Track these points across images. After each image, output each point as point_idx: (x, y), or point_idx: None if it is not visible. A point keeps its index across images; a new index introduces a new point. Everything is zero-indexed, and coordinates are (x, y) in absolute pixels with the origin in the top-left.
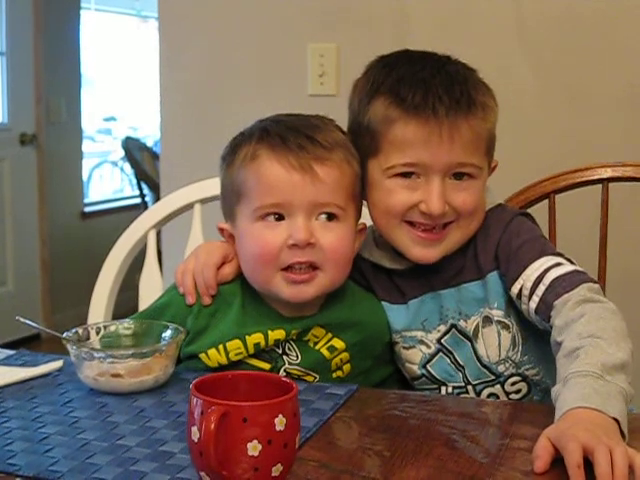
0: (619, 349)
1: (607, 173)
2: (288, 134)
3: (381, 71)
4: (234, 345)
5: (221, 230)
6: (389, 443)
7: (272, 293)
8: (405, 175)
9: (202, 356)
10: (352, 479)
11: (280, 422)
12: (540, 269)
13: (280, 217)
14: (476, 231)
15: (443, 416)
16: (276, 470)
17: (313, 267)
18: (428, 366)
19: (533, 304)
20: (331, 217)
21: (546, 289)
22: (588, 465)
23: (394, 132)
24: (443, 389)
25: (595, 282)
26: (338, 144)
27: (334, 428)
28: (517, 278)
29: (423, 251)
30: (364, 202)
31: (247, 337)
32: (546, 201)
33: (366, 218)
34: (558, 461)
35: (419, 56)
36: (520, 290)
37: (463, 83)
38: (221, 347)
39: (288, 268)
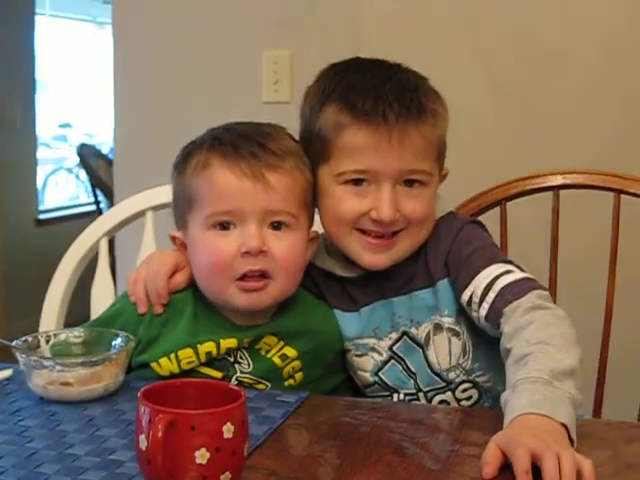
0: (568, 355)
1: (558, 180)
2: (240, 142)
3: (332, 79)
4: (186, 354)
5: (173, 238)
6: (339, 450)
7: (226, 303)
8: (356, 182)
9: (154, 365)
10: None
11: (228, 430)
12: (490, 277)
13: (232, 225)
14: (426, 239)
15: (394, 423)
16: (224, 478)
17: (265, 276)
18: (380, 373)
19: (483, 311)
20: (283, 225)
21: (495, 296)
22: (536, 471)
23: (344, 138)
24: (395, 396)
25: (545, 289)
26: (290, 152)
27: (284, 436)
28: (467, 286)
29: (373, 258)
30: (316, 210)
31: (199, 346)
32: (497, 208)
33: (318, 226)
34: (507, 467)
35: (370, 63)
36: (470, 297)
37: (414, 90)
38: (173, 356)
39: (242, 277)
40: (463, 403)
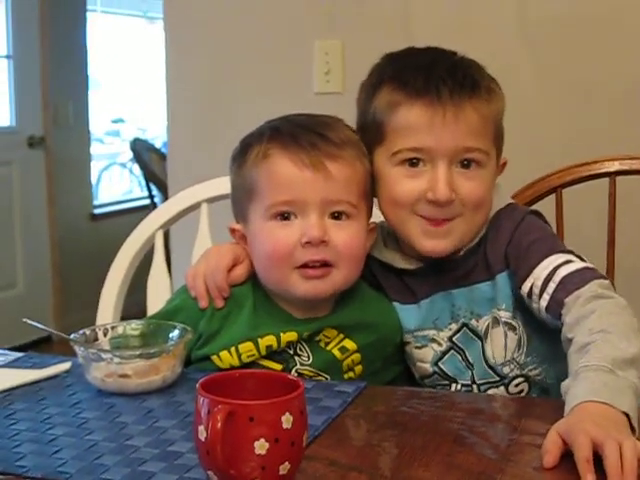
0: (630, 344)
1: (614, 166)
2: (299, 132)
3: (386, 65)
4: (246, 347)
5: (232, 231)
6: (398, 440)
7: (287, 292)
8: (411, 163)
9: (214, 358)
10: (360, 476)
11: (287, 420)
12: (550, 267)
13: (292, 215)
14: (483, 225)
15: (452, 412)
16: (284, 468)
17: (327, 265)
18: (440, 363)
19: (544, 302)
20: (343, 215)
21: (556, 287)
22: (598, 459)
23: (398, 117)
24: (453, 386)
25: (605, 278)
26: (350, 141)
27: (343, 426)
28: (527, 277)
29: (433, 243)
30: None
31: (259, 339)
32: (553, 195)
33: (375, 217)
34: (567, 456)
35: (425, 49)
36: (530, 289)
37: (467, 68)
38: (233, 349)
39: (303, 265)
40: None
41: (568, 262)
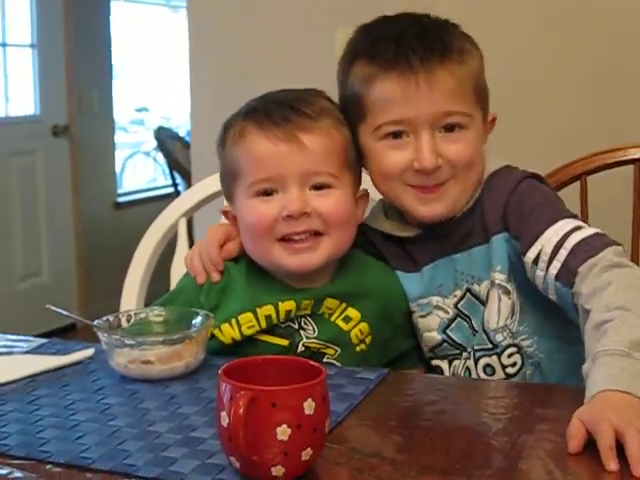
0: None
1: (639, 153)
2: (273, 108)
3: (358, 37)
4: (246, 319)
5: (224, 213)
6: (420, 427)
7: (275, 266)
8: (394, 136)
9: (216, 332)
10: (382, 463)
11: (309, 406)
12: (560, 233)
13: (274, 192)
14: (476, 186)
15: (474, 399)
16: (306, 454)
17: (316, 234)
18: (448, 331)
19: (554, 270)
20: (325, 187)
21: (568, 254)
22: (620, 448)
23: (374, 91)
24: (464, 354)
25: (619, 244)
26: (324, 112)
27: (365, 412)
28: (534, 243)
29: (429, 208)
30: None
31: (258, 309)
32: (578, 183)
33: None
34: (589, 444)
35: (396, 17)
36: (538, 255)
37: (436, 31)
38: (233, 321)
39: (287, 240)
40: (508, 370)
41: (579, 228)
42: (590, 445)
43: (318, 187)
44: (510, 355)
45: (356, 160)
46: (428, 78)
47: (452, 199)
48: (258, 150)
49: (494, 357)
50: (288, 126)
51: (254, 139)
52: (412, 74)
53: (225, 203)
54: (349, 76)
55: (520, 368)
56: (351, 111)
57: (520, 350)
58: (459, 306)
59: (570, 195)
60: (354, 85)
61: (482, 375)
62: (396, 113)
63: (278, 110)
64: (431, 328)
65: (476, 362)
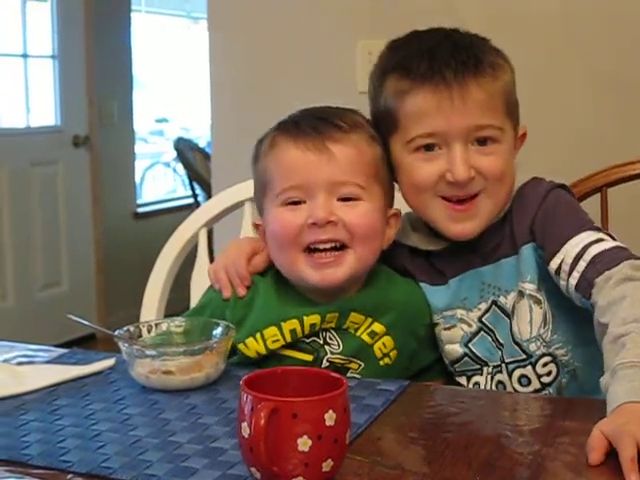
0: None
1: None
2: (304, 120)
3: (390, 53)
4: (270, 332)
5: (256, 226)
6: (440, 439)
7: (299, 278)
8: (427, 148)
9: (241, 347)
10: (403, 475)
11: (330, 417)
12: (581, 244)
13: (302, 202)
14: (507, 200)
15: (495, 411)
16: (327, 466)
17: (341, 247)
18: (470, 345)
19: (573, 280)
20: (352, 199)
21: (587, 265)
22: None
23: (407, 104)
24: (485, 369)
25: (637, 258)
26: (356, 126)
27: (386, 424)
28: (556, 253)
29: (460, 226)
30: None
31: (283, 324)
32: (598, 195)
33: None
34: (610, 456)
35: (427, 32)
36: (560, 266)
37: (469, 47)
38: (258, 335)
39: (312, 251)
40: (543, 379)
41: (600, 240)
42: (611, 457)
43: (346, 199)
44: (545, 365)
45: (388, 177)
46: (461, 92)
47: (484, 216)
48: (287, 159)
49: (529, 367)
50: (318, 137)
51: (284, 147)
52: (446, 88)
53: (256, 216)
54: (382, 90)
55: (555, 377)
56: (383, 124)
57: (555, 359)
58: (483, 319)
59: (591, 207)
60: (387, 99)
61: (517, 387)
62: (429, 126)
63: (309, 121)
64: (454, 341)
65: (510, 374)
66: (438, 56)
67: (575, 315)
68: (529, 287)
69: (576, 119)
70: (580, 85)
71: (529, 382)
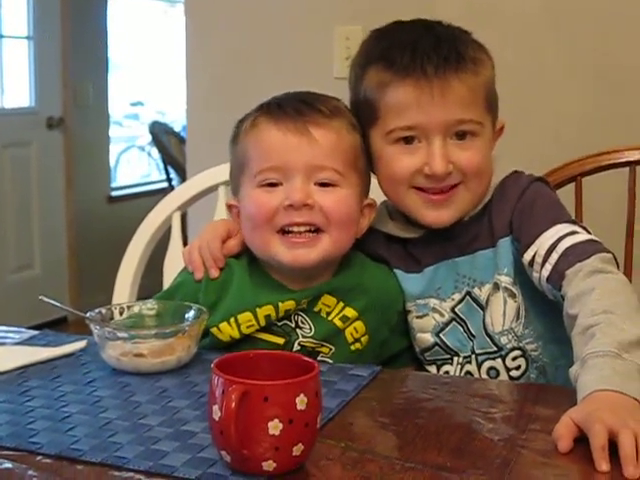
0: (633, 324)
1: (635, 156)
2: (286, 102)
3: (373, 42)
4: (245, 317)
5: (229, 207)
6: (412, 424)
7: (272, 258)
8: (406, 141)
9: (214, 330)
10: (374, 459)
11: (301, 401)
12: (555, 237)
13: (279, 184)
14: (485, 194)
15: (466, 398)
16: (297, 450)
17: (316, 230)
18: (441, 334)
19: (545, 272)
20: (329, 185)
21: (559, 257)
22: (613, 448)
23: (388, 96)
24: (455, 359)
25: (609, 252)
26: (338, 112)
27: (357, 409)
28: (530, 245)
29: (435, 214)
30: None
31: (257, 309)
32: (573, 184)
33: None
34: (580, 443)
35: (409, 23)
36: (533, 257)
37: (451, 41)
38: (232, 320)
39: (287, 232)
40: (512, 373)
41: (573, 233)
42: (582, 444)
43: (323, 184)
44: (515, 358)
45: (366, 166)
46: (442, 87)
47: (460, 206)
48: (267, 139)
49: (499, 360)
50: (300, 119)
51: (265, 128)
52: (427, 82)
53: (229, 197)
54: (363, 80)
55: (524, 372)
56: (363, 115)
57: (525, 354)
58: (456, 310)
59: (565, 196)
60: (368, 90)
61: (486, 379)
62: (409, 119)
63: (292, 104)
64: (425, 330)
65: (479, 366)
66: (420, 49)
67: (548, 312)
68: (505, 280)
69: (552, 108)
70: (558, 73)
71: (497, 374)
